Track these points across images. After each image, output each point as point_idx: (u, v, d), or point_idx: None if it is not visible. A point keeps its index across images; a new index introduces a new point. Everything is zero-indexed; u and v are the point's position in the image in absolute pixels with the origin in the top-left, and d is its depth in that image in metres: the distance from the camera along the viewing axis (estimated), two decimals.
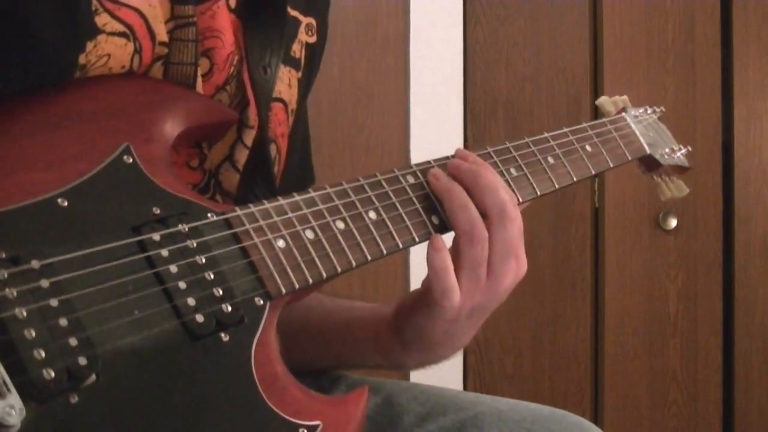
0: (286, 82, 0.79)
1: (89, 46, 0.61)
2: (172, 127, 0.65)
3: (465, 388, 2.11)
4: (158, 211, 0.59)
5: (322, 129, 1.99)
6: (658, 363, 2.22)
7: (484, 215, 0.70)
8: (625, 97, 1.00)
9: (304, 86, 0.84)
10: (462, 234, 0.70)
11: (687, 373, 2.23)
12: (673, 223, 2.20)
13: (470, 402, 0.81)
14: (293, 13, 0.81)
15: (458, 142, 2.07)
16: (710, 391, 2.25)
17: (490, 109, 2.14)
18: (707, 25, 2.25)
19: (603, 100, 0.99)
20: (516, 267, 0.71)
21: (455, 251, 0.70)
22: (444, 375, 2.04)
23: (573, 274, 2.19)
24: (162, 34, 0.66)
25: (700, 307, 2.24)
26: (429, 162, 0.74)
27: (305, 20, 0.83)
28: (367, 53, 2.03)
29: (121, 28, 0.63)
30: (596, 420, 2.17)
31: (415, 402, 0.81)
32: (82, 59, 0.61)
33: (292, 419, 0.58)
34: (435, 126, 2.04)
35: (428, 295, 0.70)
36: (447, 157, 0.75)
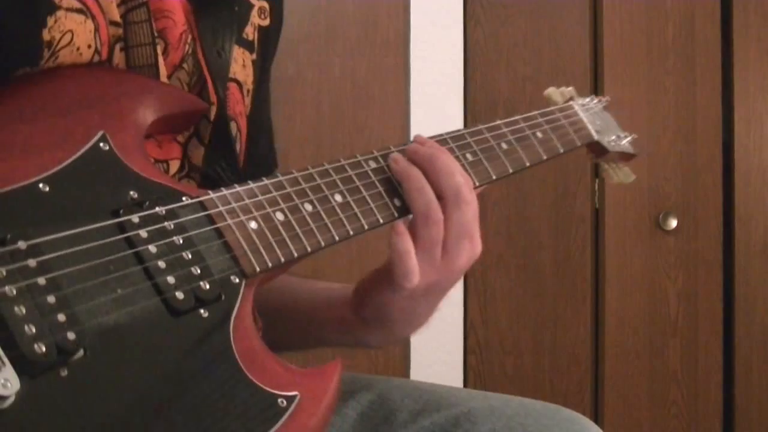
0: (240, 63, 0.82)
1: (50, 21, 0.63)
2: (144, 117, 0.67)
3: (465, 388, 2.11)
4: (135, 195, 0.62)
5: (322, 129, 1.99)
6: (658, 363, 2.22)
7: (441, 197, 0.73)
8: (571, 88, 1.03)
9: (260, 68, 0.86)
10: (418, 215, 0.73)
11: (687, 374, 2.23)
12: (673, 223, 2.20)
13: (463, 398, 0.81)
14: None
15: None
16: (710, 392, 2.25)
17: (490, 109, 2.14)
18: (707, 25, 2.25)
19: (551, 91, 1.02)
20: (470, 248, 0.74)
21: (412, 232, 0.72)
22: (444, 375, 2.04)
23: (573, 275, 2.19)
24: (113, 13, 0.68)
25: (700, 307, 2.24)
26: (389, 147, 0.77)
27: (258, 3, 0.86)
28: (367, 53, 2.03)
29: (77, 4, 0.65)
30: (596, 420, 2.16)
31: (408, 398, 0.82)
32: (46, 35, 0.63)
33: (271, 390, 0.60)
34: (435, 126, 2.03)
35: (387, 275, 0.73)
36: (406, 143, 0.78)
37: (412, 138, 0.79)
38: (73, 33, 0.64)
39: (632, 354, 2.20)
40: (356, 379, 0.86)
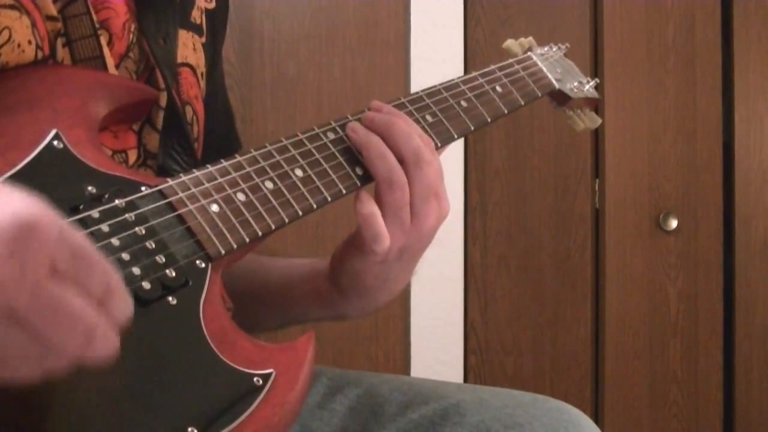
0: (190, 47, 0.82)
1: None
2: (96, 110, 0.67)
3: None
4: (93, 190, 0.61)
5: None
6: (658, 364, 2.22)
7: (402, 161, 0.74)
8: (530, 38, 1.03)
9: (210, 51, 0.86)
10: (382, 181, 0.74)
11: (687, 374, 2.23)
12: (673, 223, 2.20)
13: (452, 391, 0.81)
14: None
15: (458, 142, 2.07)
16: (711, 392, 2.25)
17: None
18: (707, 25, 2.25)
19: (509, 43, 1.01)
20: (438, 207, 0.75)
21: (378, 199, 0.73)
22: (444, 375, 2.04)
23: (573, 275, 2.19)
24: (49, 8, 0.67)
25: (700, 307, 2.24)
26: (347, 117, 0.78)
27: None
28: (367, 54, 2.03)
29: (8, 1, 0.64)
30: (596, 420, 2.16)
31: (397, 392, 0.82)
32: None
33: (245, 370, 0.60)
34: None
35: (358, 241, 0.74)
36: (363, 111, 0.78)
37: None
38: (10, 29, 0.63)
39: (632, 354, 2.20)
40: (344, 375, 0.86)
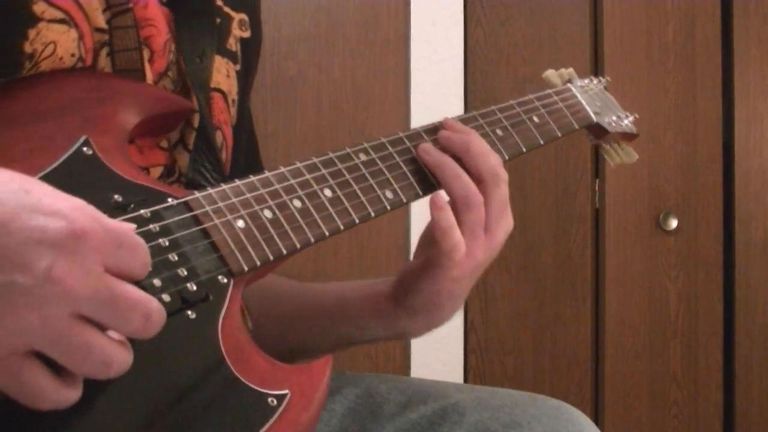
0: (224, 73, 0.82)
1: (31, 33, 0.62)
2: (126, 120, 0.66)
3: None
4: (120, 199, 0.61)
5: (323, 129, 1.99)
6: (658, 363, 2.22)
7: (479, 180, 0.76)
8: (571, 69, 1.02)
9: (243, 80, 0.86)
10: (459, 200, 0.75)
11: (687, 374, 2.23)
12: (673, 223, 2.20)
13: (451, 390, 0.81)
14: (225, 9, 0.84)
15: None
16: (711, 392, 2.25)
17: None
18: (707, 25, 2.25)
19: (549, 74, 1.01)
20: (506, 222, 0.77)
21: (455, 217, 0.74)
22: (445, 375, 2.04)
23: (574, 275, 2.19)
24: (98, 21, 0.68)
25: (700, 307, 2.24)
26: (379, 139, 0.78)
27: (237, 16, 0.86)
28: (367, 54, 2.03)
29: (59, 15, 0.64)
30: (596, 420, 2.16)
31: (395, 391, 0.82)
32: (27, 47, 0.62)
33: (260, 389, 0.59)
34: None
35: (433, 259, 0.75)
36: (396, 134, 0.79)
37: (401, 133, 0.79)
38: (56, 44, 0.64)
39: (632, 354, 2.20)
40: (343, 376, 0.86)
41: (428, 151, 0.77)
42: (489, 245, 0.76)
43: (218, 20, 0.81)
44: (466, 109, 2.11)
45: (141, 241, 0.52)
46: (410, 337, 0.84)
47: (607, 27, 2.19)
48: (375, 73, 2.03)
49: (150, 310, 0.50)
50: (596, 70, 2.18)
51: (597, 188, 2.20)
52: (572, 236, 2.19)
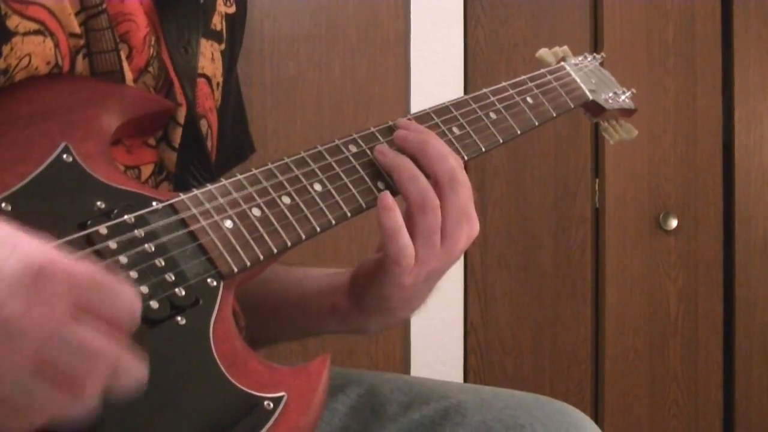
0: (209, 57, 0.79)
1: (5, 50, 0.60)
2: (107, 123, 0.65)
3: None
4: (103, 205, 0.59)
5: (323, 129, 1.99)
6: (658, 363, 2.22)
7: (436, 183, 0.71)
8: (565, 47, 1.00)
9: (228, 58, 0.84)
10: (414, 204, 0.70)
11: (687, 374, 2.23)
12: (673, 223, 2.20)
13: (453, 391, 0.81)
14: None
15: None
16: (711, 392, 2.25)
17: None
18: (707, 25, 2.25)
19: (543, 52, 0.98)
20: (469, 228, 0.73)
21: (408, 221, 0.70)
22: (444, 375, 2.04)
23: (574, 275, 2.19)
24: (73, 25, 0.66)
25: (700, 307, 2.24)
26: (369, 128, 0.75)
27: None
28: (367, 54, 2.03)
29: (34, 26, 0.62)
30: (596, 420, 2.16)
31: (398, 391, 0.81)
32: (1, 64, 0.60)
33: (256, 393, 0.58)
34: None
35: (384, 263, 0.71)
36: (386, 123, 0.76)
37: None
38: (31, 55, 0.62)
39: (632, 354, 2.20)
40: (345, 374, 0.86)
41: (383, 152, 0.73)
42: (446, 253, 0.71)
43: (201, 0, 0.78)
44: None
45: (114, 280, 0.47)
46: (370, 334, 0.82)
47: (607, 27, 2.19)
48: (375, 73, 2.03)
49: (117, 361, 0.46)
50: None
51: (597, 188, 2.20)
52: (572, 236, 2.19)
